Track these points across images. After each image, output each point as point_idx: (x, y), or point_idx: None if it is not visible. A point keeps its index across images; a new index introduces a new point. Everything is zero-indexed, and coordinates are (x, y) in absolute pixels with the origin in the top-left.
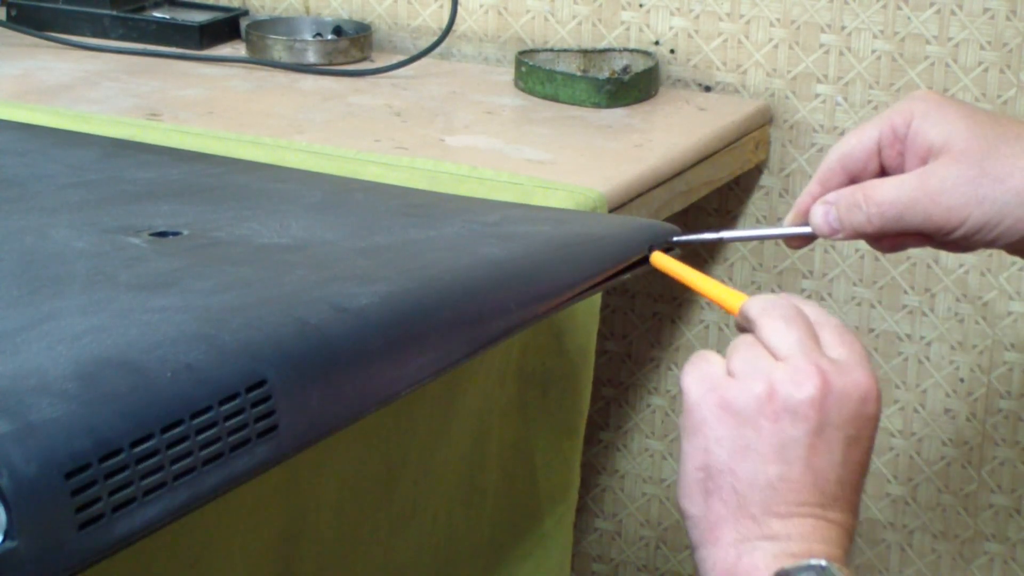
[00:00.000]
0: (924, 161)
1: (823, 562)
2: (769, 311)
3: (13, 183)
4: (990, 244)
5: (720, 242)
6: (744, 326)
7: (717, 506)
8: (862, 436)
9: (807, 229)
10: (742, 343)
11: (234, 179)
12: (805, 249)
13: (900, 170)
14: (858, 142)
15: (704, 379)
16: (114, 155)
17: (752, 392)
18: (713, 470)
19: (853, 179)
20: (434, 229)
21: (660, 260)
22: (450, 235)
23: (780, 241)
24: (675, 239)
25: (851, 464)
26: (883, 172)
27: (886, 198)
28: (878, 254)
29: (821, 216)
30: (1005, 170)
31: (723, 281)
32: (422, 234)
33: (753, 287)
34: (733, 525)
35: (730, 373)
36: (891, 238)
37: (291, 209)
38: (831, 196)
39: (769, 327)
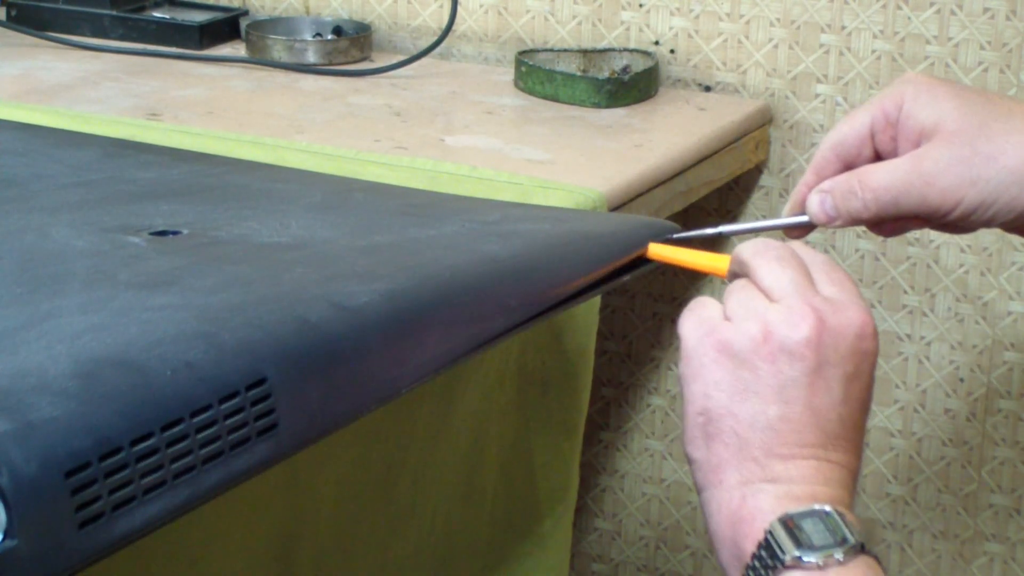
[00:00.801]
0: (917, 144)
1: (827, 507)
2: (762, 252)
3: (13, 183)
4: (988, 223)
5: (720, 236)
6: (738, 271)
7: (719, 449)
8: (861, 372)
9: (805, 218)
10: (737, 286)
11: (234, 179)
12: None
13: (894, 154)
14: (850, 129)
15: (701, 323)
16: (114, 155)
17: (748, 334)
18: (714, 414)
19: (848, 166)
20: (434, 228)
21: (658, 250)
22: (450, 234)
23: (781, 233)
24: (674, 235)
25: (852, 401)
26: (877, 157)
27: (881, 183)
28: (878, 254)
29: (817, 204)
30: (997, 148)
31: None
32: (422, 233)
33: None
34: (736, 467)
35: (726, 317)
36: (890, 222)
37: (291, 208)
38: (826, 184)
39: (763, 268)
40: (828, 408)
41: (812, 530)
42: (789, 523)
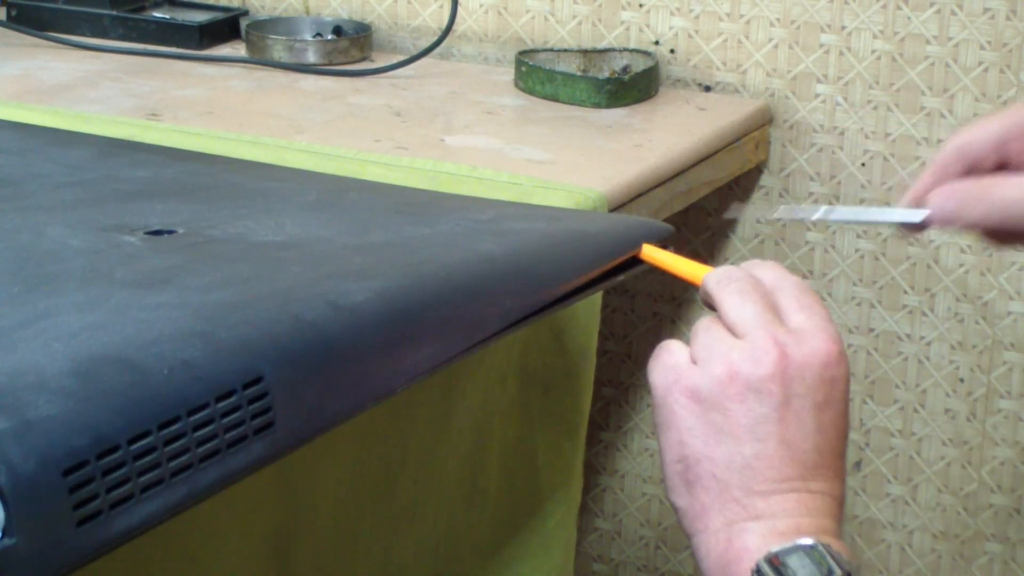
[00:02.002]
0: None
1: (811, 540)
2: (724, 285)
3: (9, 182)
4: None
5: (823, 222)
6: (705, 300)
7: (701, 494)
8: (832, 399)
9: (924, 213)
10: (701, 327)
11: (229, 178)
12: (805, 249)
13: (1021, 168)
14: (981, 133)
15: (668, 371)
16: (109, 154)
17: (714, 376)
18: (691, 460)
19: (970, 170)
20: (429, 226)
21: (651, 253)
22: (445, 232)
23: (780, 241)
24: (776, 216)
25: (826, 429)
26: (999, 168)
27: (1008, 196)
28: (878, 254)
29: (939, 204)
30: None
31: None
32: (417, 231)
33: None
34: (719, 510)
35: (693, 360)
36: (1006, 235)
37: (286, 207)
38: (952, 186)
39: (726, 302)
40: (802, 439)
41: (798, 566)
42: (775, 561)
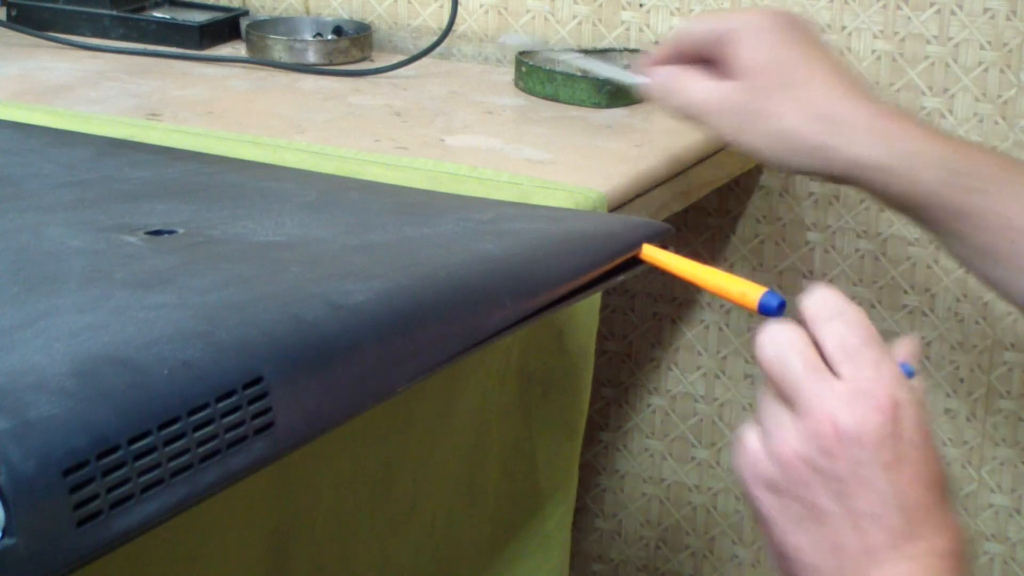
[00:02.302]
0: (731, 73)
1: None
2: (771, 345)
3: (8, 182)
4: (774, 168)
5: (552, 58)
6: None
7: None
8: (903, 453)
9: (646, 81)
10: (762, 406)
11: (229, 178)
12: (805, 249)
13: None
14: (699, 28)
15: (746, 464)
16: (109, 154)
17: (780, 463)
18: (785, 552)
19: (692, 55)
20: (428, 227)
21: (651, 253)
22: (445, 232)
23: (780, 241)
24: (501, 41)
25: (905, 487)
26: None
27: (689, 99)
28: (878, 254)
29: (654, 84)
30: (775, 110)
31: None
32: (417, 231)
33: None
34: None
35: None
36: None
37: (286, 207)
38: (664, 70)
39: (770, 372)
40: (882, 507)
41: None
42: None
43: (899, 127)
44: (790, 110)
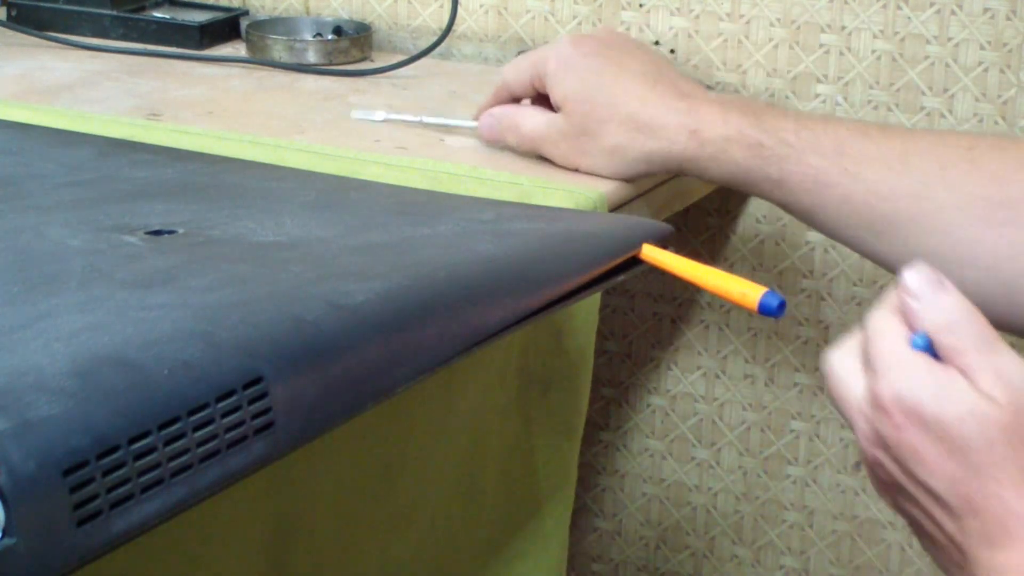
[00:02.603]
0: (554, 103)
1: None
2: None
3: (7, 182)
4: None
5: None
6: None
7: None
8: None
9: (475, 125)
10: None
11: (228, 178)
12: (805, 249)
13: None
14: (516, 77)
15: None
16: (109, 154)
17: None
18: None
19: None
20: (429, 227)
21: (651, 253)
22: (445, 232)
23: (780, 241)
24: (355, 115)
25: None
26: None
27: (526, 133)
28: None
29: (487, 127)
30: (600, 130)
31: None
32: (417, 232)
33: None
34: None
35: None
36: None
37: (286, 207)
38: (497, 111)
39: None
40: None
41: None
42: None
43: (710, 117)
44: (611, 129)
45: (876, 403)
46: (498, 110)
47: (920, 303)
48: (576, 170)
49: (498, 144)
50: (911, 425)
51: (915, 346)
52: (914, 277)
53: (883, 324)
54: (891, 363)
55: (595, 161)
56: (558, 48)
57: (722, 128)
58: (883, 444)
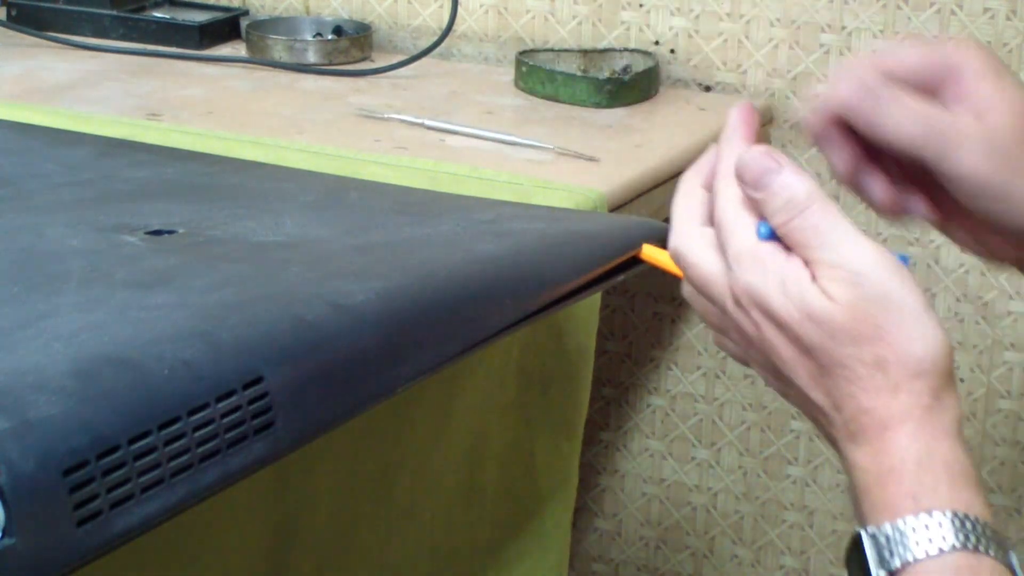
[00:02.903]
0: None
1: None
2: None
3: (8, 182)
4: (999, 231)
5: None
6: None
7: None
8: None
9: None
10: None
11: (228, 178)
12: None
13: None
14: (907, 55)
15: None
16: (109, 154)
17: None
18: None
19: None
20: (429, 227)
21: (651, 253)
22: (445, 232)
23: None
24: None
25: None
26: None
27: (947, 125)
28: None
29: (860, 103)
30: None
31: None
32: (417, 232)
33: None
34: None
35: None
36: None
37: (286, 207)
38: (869, 83)
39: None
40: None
41: None
42: None
43: None
44: None
45: (735, 299)
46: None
47: (758, 192)
48: (990, 188)
49: (858, 121)
50: (766, 321)
51: (760, 236)
52: (749, 165)
53: (731, 216)
54: (740, 257)
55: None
56: (966, 48)
57: None
58: (746, 338)
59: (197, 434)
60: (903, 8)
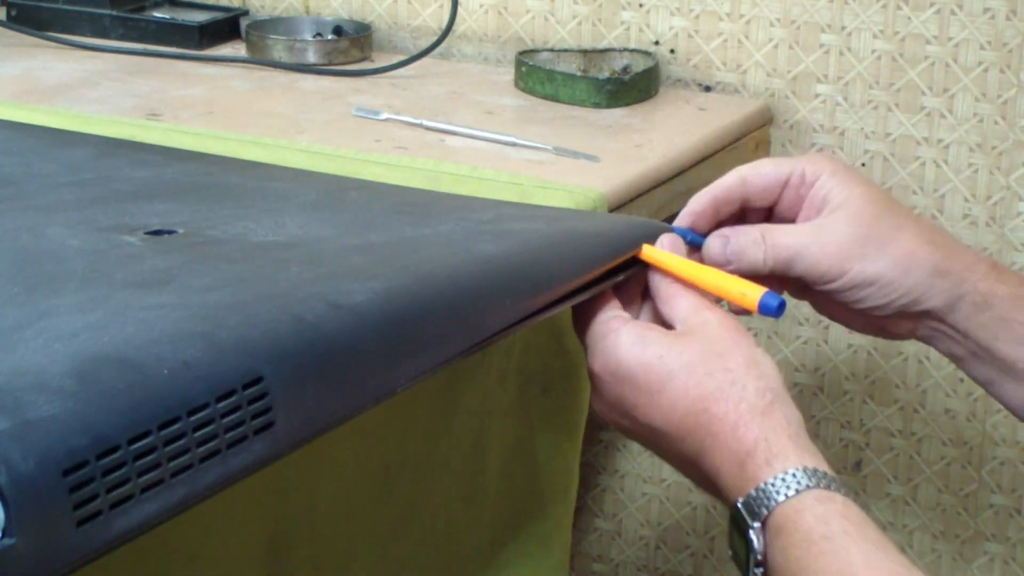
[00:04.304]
0: (818, 212)
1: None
2: None
3: (8, 182)
4: (860, 301)
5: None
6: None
7: None
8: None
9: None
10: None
11: (228, 178)
12: None
13: (791, 213)
14: (772, 170)
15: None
16: (109, 154)
17: None
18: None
19: (746, 203)
20: (429, 227)
21: (651, 253)
22: (445, 232)
23: None
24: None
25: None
26: (768, 213)
27: (783, 241)
28: None
29: (719, 247)
30: (888, 237)
31: None
32: (417, 232)
33: None
34: None
35: None
36: (770, 280)
37: (286, 207)
38: (727, 230)
39: None
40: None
41: None
42: None
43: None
44: (907, 234)
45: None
46: (729, 229)
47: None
48: (840, 279)
49: (733, 265)
50: (617, 382)
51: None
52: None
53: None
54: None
55: (878, 269)
56: (823, 156)
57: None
58: (608, 403)
59: (197, 434)
60: (903, 8)
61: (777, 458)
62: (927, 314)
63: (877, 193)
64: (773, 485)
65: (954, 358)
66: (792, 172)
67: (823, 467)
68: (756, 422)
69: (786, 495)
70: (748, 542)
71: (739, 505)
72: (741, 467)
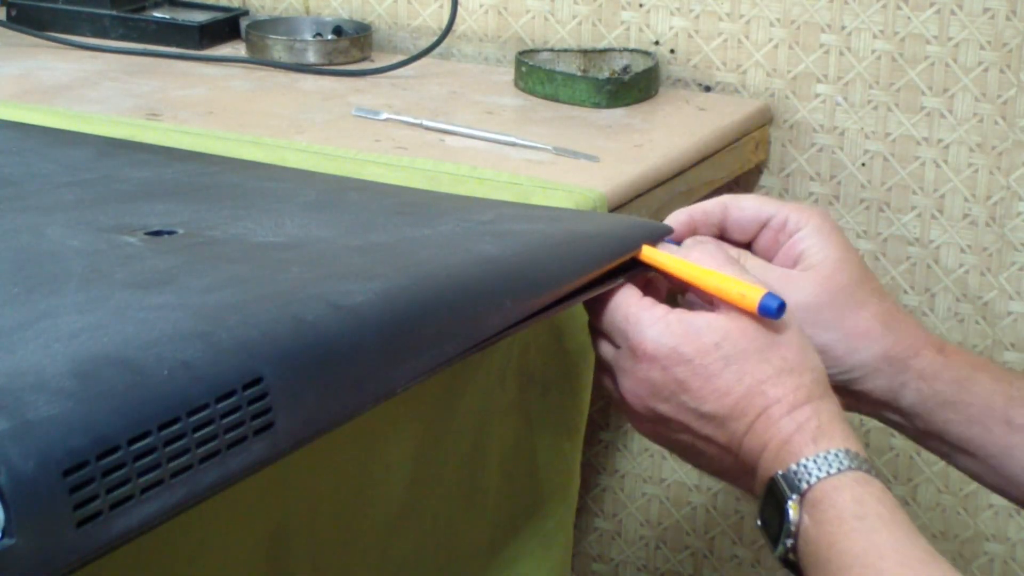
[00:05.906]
0: (792, 263)
1: None
2: None
3: (8, 182)
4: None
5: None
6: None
7: None
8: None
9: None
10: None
11: (228, 178)
12: None
13: (767, 254)
14: (754, 208)
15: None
16: (109, 154)
17: None
18: None
19: (723, 231)
20: (429, 227)
21: (651, 253)
22: (445, 233)
23: None
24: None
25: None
26: (747, 245)
27: (751, 272)
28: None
29: (685, 219)
30: (847, 312)
31: None
32: (417, 232)
33: None
34: None
35: None
36: None
37: (286, 208)
38: (705, 236)
39: None
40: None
41: None
42: None
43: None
44: (867, 313)
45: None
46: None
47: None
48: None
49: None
50: (672, 364)
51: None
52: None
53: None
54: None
55: (832, 339)
56: (816, 211)
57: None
58: (651, 387)
59: (197, 434)
60: (903, 8)
61: (824, 437)
62: (866, 395)
63: (852, 263)
64: (815, 462)
65: (906, 435)
66: (775, 215)
67: (863, 455)
68: (812, 405)
69: (827, 472)
70: (783, 513)
71: (779, 476)
72: (786, 443)
